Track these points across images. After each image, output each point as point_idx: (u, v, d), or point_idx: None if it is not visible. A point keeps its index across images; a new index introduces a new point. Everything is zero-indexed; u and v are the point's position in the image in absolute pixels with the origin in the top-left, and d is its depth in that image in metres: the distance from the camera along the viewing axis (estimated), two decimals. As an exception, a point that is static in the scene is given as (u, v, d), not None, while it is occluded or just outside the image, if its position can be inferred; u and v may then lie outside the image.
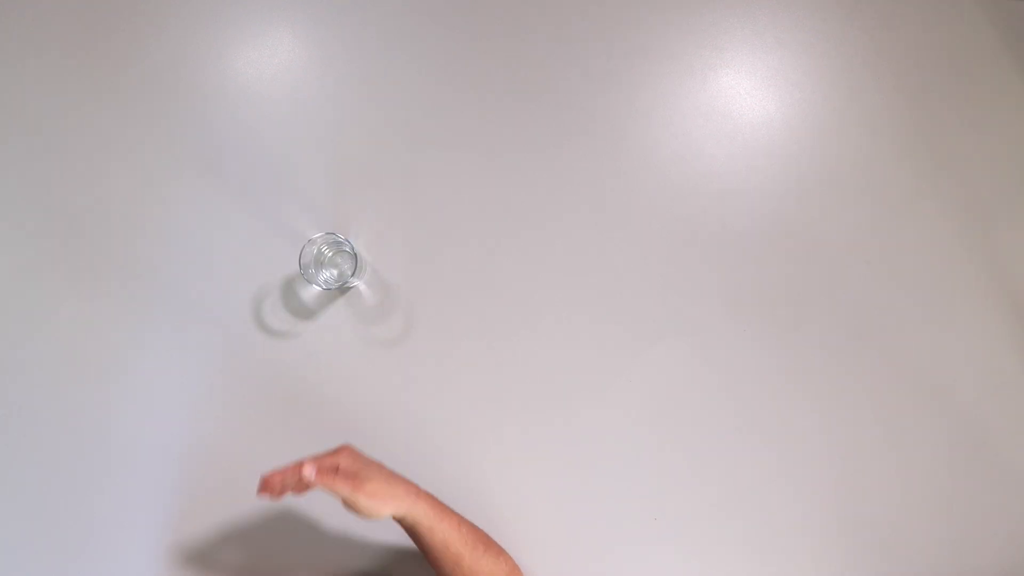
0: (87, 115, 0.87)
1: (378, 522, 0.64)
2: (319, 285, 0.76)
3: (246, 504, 0.79)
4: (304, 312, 0.83)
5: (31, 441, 0.80)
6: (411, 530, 0.65)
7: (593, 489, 0.79)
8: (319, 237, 0.77)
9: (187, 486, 0.80)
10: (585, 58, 0.88)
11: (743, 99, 0.88)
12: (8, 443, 0.80)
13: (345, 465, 0.62)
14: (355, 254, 0.78)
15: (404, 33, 0.89)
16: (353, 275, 0.79)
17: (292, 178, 0.86)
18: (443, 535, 0.64)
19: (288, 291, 0.83)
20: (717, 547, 0.79)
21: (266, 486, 0.61)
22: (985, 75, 0.89)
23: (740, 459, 0.81)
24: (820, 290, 0.84)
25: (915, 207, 0.86)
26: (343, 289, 0.82)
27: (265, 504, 0.79)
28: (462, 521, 0.67)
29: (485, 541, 0.68)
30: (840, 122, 0.87)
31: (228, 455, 0.80)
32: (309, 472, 0.60)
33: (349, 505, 0.61)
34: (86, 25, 0.89)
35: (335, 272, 0.81)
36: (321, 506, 0.79)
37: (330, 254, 0.82)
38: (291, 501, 0.79)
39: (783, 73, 0.89)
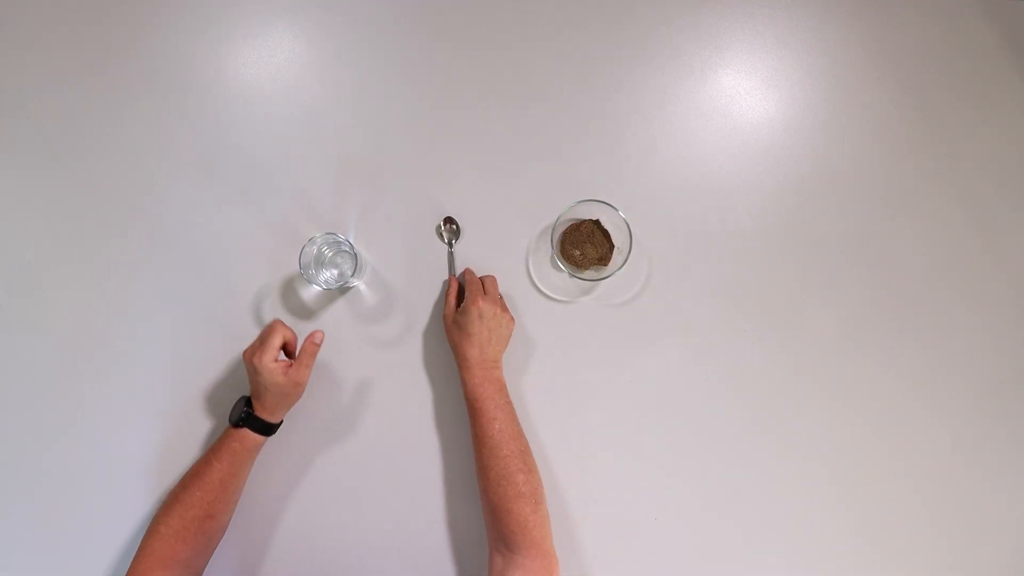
0: (86, 114, 0.87)
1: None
2: (319, 285, 0.76)
3: (245, 503, 0.79)
4: (304, 312, 0.83)
5: (31, 440, 0.80)
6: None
7: (592, 489, 0.79)
8: (319, 237, 0.77)
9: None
10: (585, 59, 0.89)
11: (743, 99, 0.88)
12: (8, 442, 0.80)
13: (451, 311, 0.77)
14: (355, 254, 0.78)
15: (405, 35, 0.89)
16: (353, 275, 0.79)
17: (292, 178, 0.86)
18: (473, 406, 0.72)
19: (288, 291, 0.83)
20: (717, 547, 0.79)
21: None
22: (985, 75, 0.89)
23: (740, 459, 0.80)
24: (821, 290, 0.84)
25: (915, 207, 0.86)
26: (343, 289, 0.82)
27: (263, 511, 0.78)
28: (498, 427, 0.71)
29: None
30: (840, 122, 0.88)
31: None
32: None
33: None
34: (86, 25, 0.89)
35: (335, 272, 0.81)
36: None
37: (330, 254, 0.82)
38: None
39: (783, 73, 0.89)
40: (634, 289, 0.84)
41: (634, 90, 0.88)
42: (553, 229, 0.79)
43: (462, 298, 0.79)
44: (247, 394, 0.73)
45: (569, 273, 0.79)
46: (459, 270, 0.83)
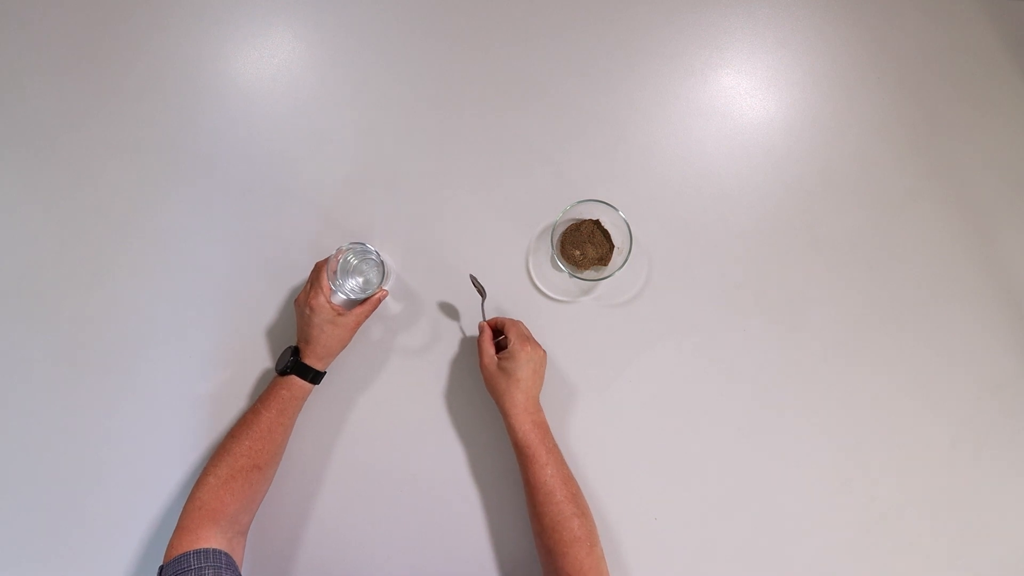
0: (88, 116, 0.87)
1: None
2: (345, 294, 0.74)
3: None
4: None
5: (29, 442, 0.80)
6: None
7: (593, 489, 0.79)
8: (346, 246, 0.76)
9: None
10: (586, 59, 0.89)
11: (743, 99, 0.88)
12: (7, 443, 0.80)
13: (485, 340, 0.76)
14: (381, 262, 0.78)
15: (406, 37, 0.89)
16: (380, 284, 0.78)
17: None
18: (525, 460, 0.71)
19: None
20: (717, 547, 0.79)
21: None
22: (985, 75, 0.89)
23: (740, 459, 0.80)
24: (820, 290, 0.84)
25: (915, 207, 0.86)
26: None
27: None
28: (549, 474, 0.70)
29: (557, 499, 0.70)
30: (840, 122, 0.88)
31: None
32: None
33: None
34: (88, 27, 0.89)
35: (360, 280, 0.80)
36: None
37: (355, 262, 0.81)
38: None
39: (783, 73, 0.89)
40: (634, 289, 0.84)
41: (634, 90, 0.88)
42: (553, 229, 0.79)
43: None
44: (292, 344, 0.76)
45: (569, 273, 0.79)
46: (488, 315, 0.82)
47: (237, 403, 0.81)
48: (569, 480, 0.71)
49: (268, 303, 0.83)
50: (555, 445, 0.73)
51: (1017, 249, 0.85)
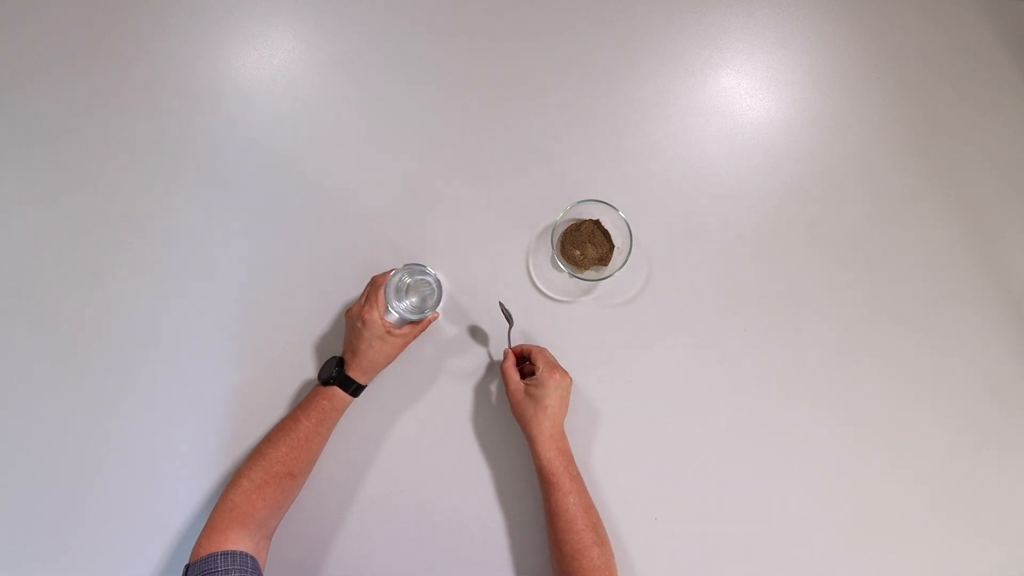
0: (88, 116, 0.87)
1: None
2: (399, 312, 0.74)
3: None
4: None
5: (29, 442, 0.80)
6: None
7: (593, 490, 0.79)
8: (404, 266, 0.76)
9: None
10: (586, 59, 0.89)
11: (743, 99, 0.88)
12: (7, 443, 0.80)
13: (509, 366, 0.75)
14: (437, 283, 0.78)
15: (408, 38, 0.89)
16: (436, 305, 0.77)
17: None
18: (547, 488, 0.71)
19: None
20: (717, 547, 0.79)
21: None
22: (985, 75, 0.89)
23: (740, 459, 0.80)
24: (821, 290, 0.84)
25: (915, 207, 0.86)
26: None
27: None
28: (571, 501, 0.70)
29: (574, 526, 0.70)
30: (840, 122, 0.88)
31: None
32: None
33: None
34: (89, 28, 0.89)
35: (416, 300, 0.79)
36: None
37: (409, 281, 0.80)
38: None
39: (783, 73, 0.89)
40: (634, 289, 0.84)
41: (634, 90, 0.88)
42: (553, 229, 0.79)
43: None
44: (337, 355, 0.76)
45: (569, 273, 0.79)
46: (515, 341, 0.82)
47: (239, 405, 0.81)
48: (590, 508, 0.71)
49: (272, 305, 0.83)
50: (578, 473, 0.73)
51: (1017, 249, 0.85)
